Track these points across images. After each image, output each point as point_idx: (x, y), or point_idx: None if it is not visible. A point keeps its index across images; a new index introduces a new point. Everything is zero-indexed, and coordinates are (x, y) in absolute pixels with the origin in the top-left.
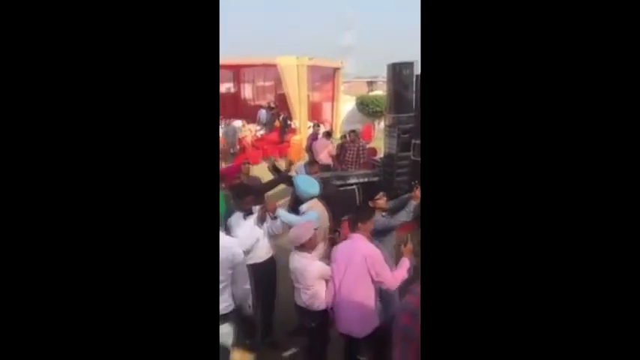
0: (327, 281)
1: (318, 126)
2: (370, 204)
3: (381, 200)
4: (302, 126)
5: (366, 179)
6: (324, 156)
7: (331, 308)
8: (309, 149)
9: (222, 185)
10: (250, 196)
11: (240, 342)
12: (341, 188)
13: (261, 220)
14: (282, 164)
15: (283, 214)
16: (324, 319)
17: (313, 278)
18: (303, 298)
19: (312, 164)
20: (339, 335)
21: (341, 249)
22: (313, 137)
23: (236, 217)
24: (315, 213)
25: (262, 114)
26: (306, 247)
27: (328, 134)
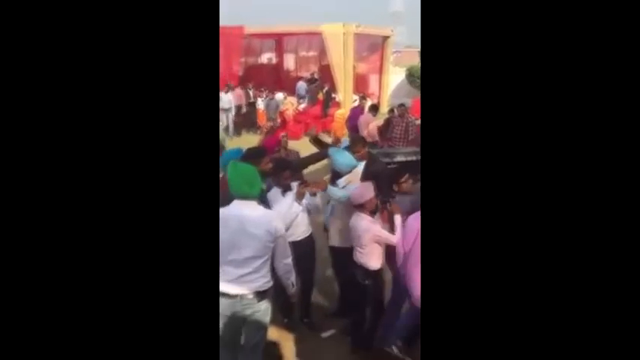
0: (386, 245)
1: (365, 99)
2: (395, 187)
3: (407, 183)
4: (346, 99)
5: (414, 157)
6: (370, 132)
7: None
8: (350, 121)
9: (262, 160)
10: (288, 170)
11: (278, 321)
12: (388, 167)
13: (299, 197)
14: (325, 137)
15: (332, 189)
16: (376, 278)
17: (368, 240)
18: (358, 256)
19: (356, 142)
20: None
21: (413, 218)
22: (358, 111)
23: (274, 193)
24: (354, 186)
25: (301, 87)
26: (365, 207)
27: (374, 108)
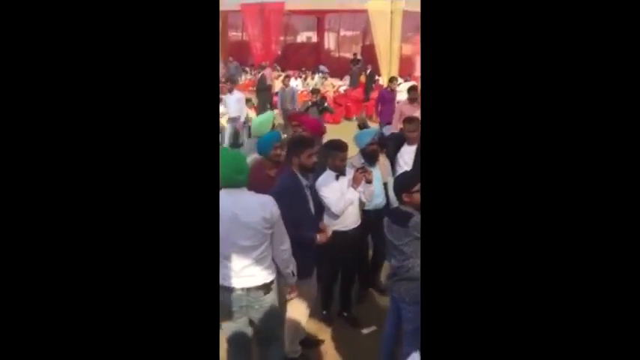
0: None
1: (394, 80)
2: (405, 198)
3: (418, 194)
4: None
5: None
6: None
7: None
8: (378, 104)
9: (304, 152)
10: (345, 152)
11: (317, 312)
12: None
13: (357, 183)
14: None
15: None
16: None
17: None
18: None
19: (411, 121)
20: None
21: None
22: (386, 93)
23: (327, 177)
24: None
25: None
26: None
27: (413, 90)
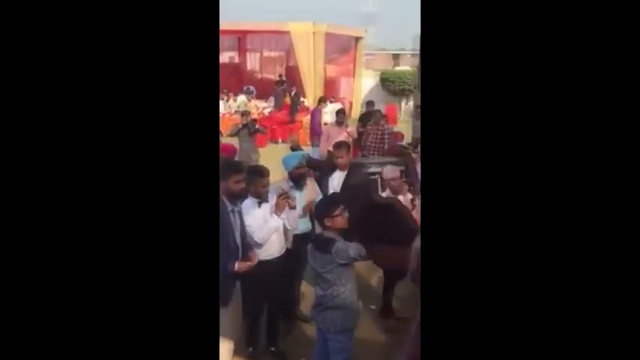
0: None
1: (324, 102)
2: (327, 222)
3: (341, 218)
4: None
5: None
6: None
7: None
8: (311, 125)
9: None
10: (267, 178)
11: (242, 349)
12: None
13: (279, 210)
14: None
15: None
16: None
17: None
18: None
19: (341, 146)
20: None
21: None
22: (317, 113)
23: (249, 204)
24: None
25: None
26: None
27: (342, 114)
